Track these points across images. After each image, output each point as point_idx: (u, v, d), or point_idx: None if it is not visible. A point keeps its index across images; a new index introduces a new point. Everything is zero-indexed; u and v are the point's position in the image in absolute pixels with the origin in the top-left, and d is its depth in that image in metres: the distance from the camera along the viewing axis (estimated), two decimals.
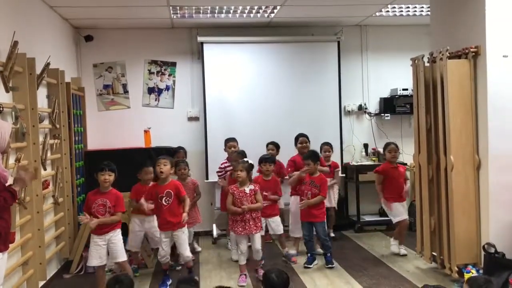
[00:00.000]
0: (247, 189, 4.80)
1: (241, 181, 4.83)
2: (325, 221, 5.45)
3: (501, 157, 4.33)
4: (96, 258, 4.43)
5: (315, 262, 5.35)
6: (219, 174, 6.08)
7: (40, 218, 4.42)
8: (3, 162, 3.35)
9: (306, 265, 5.29)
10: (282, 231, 5.52)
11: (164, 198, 4.63)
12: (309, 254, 5.38)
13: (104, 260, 4.48)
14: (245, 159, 5.04)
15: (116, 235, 4.51)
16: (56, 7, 5.61)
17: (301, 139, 5.96)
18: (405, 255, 5.54)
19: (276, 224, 5.41)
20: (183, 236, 4.73)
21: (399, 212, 5.65)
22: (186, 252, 4.75)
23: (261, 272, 4.74)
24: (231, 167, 5.67)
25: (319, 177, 5.35)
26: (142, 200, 4.64)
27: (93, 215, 4.40)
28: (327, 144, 6.35)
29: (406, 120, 7.24)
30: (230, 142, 6.11)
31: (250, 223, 4.79)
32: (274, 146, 6.07)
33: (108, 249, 4.48)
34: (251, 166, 4.94)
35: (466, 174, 4.47)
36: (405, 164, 6.56)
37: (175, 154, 5.97)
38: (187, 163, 5.73)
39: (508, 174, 4.34)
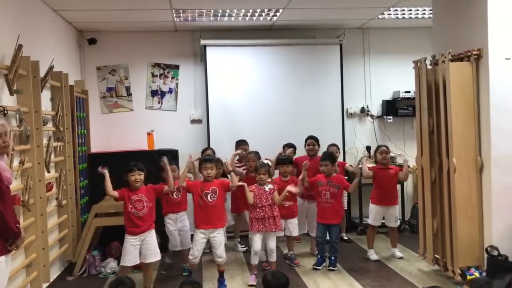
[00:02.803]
0: (266, 188, 4.97)
1: (262, 182, 4.99)
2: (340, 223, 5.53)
3: (503, 159, 4.33)
4: (130, 258, 4.46)
5: (324, 264, 5.35)
6: None
7: (43, 220, 4.44)
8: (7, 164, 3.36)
9: (315, 267, 5.31)
10: (297, 233, 5.57)
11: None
12: (319, 256, 5.40)
13: (137, 260, 4.52)
14: (265, 161, 5.14)
15: (152, 236, 4.57)
16: (60, 11, 5.64)
17: (308, 142, 6.01)
18: (377, 260, 5.51)
19: (293, 226, 5.45)
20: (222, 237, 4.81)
21: (370, 215, 5.66)
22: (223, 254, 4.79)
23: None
24: (243, 168, 5.90)
25: (336, 177, 5.38)
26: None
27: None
28: (334, 145, 6.35)
29: (409, 122, 7.25)
30: (241, 145, 6.13)
31: (270, 221, 4.91)
32: (291, 148, 6.11)
33: (141, 249, 4.51)
34: (270, 167, 5.12)
35: (468, 176, 4.48)
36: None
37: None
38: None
39: (510, 176, 4.34)
